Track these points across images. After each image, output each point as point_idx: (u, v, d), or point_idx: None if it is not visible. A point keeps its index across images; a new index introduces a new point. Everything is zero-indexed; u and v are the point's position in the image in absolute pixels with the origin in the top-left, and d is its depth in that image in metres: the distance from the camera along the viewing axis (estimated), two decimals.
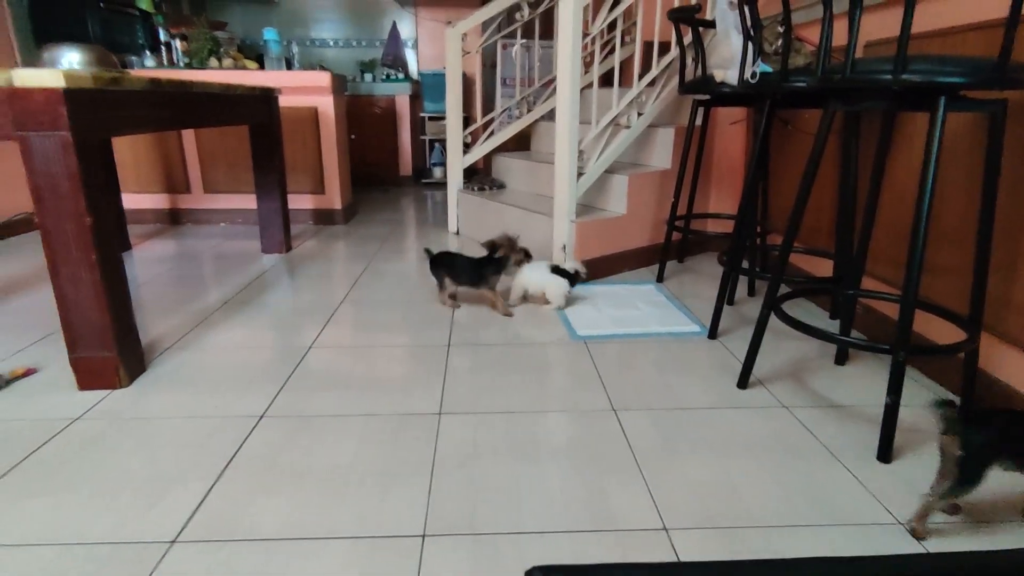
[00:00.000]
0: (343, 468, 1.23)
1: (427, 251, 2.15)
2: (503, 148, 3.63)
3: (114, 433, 1.36)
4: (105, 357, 1.51)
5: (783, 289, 2.03)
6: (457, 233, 3.36)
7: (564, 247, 2.40)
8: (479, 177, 3.38)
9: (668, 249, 2.50)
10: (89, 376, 1.52)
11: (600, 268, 2.52)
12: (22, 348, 1.79)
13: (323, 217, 3.63)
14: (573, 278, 2.10)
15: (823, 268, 2.17)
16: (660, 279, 2.48)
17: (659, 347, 1.84)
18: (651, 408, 1.47)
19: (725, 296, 1.90)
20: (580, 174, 2.42)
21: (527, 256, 2.15)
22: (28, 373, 1.60)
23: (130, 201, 3.51)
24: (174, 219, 3.58)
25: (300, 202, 3.53)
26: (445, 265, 2.13)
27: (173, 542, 1.02)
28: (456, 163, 3.33)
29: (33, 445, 1.29)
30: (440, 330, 1.97)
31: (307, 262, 2.81)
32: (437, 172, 5.27)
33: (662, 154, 2.69)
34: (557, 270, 2.11)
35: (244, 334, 1.93)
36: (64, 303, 1.46)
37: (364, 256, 2.91)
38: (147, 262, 2.77)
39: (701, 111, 2.50)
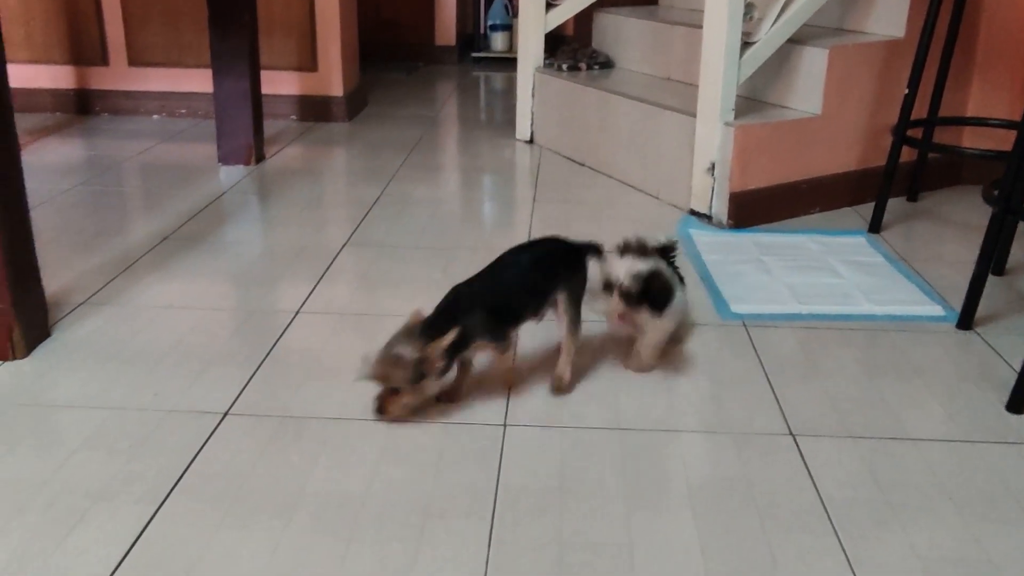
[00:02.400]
0: (353, 501, 1.29)
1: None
2: (610, 0, 3.59)
3: (10, 425, 1.46)
4: None
5: None
6: (530, 141, 3.39)
7: (712, 167, 2.39)
8: (570, 48, 3.38)
9: (893, 177, 2.44)
10: None
11: (772, 206, 2.50)
12: None
13: (314, 110, 3.73)
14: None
15: None
16: (876, 227, 2.44)
17: (870, 339, 1.81)
18: (854, 436, 1.46)
19: (991, 259, 1.85)
20: (747, 44, 2.38)
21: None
22: None
23: (16, 77, 3.70)
24: (82, 106, 3.77)
25: (278, 85, 3.64)
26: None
27: None
28: (533, 25, 3.33)
29: None
30: None
31: (289, 180, 2.91)
32: (498, 41, 5.29)
33: (889, 13, 2.61)
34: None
35: (192, 289, 2.03)
36: None
37: (378, 174, 2.98)
38: (42, 173, 2.93)
39: None
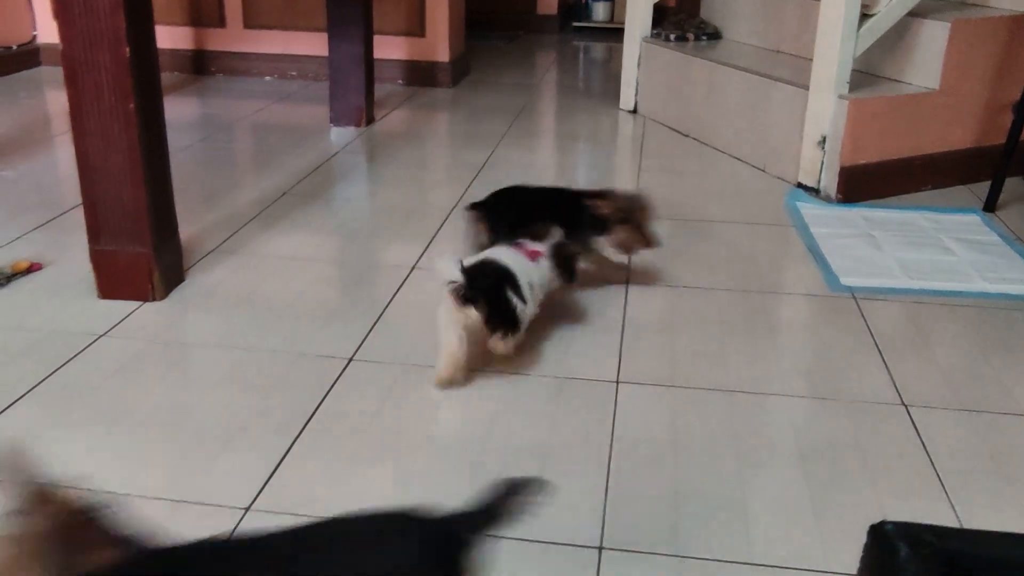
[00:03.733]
0: (475, 444, 1.35)
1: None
2: None
3: (153, 360, 1.58)
4: (137, 254, 1.74)
5: None
6: (634, 111, 3.40)
7: (823, 140, 2.37)
8: (677, 18, 3.37)
9: (1012, 155, 2.39)
10: (114, 280, 1.75)
11: (882, 181, 2.48)
12: (24, 232, 2.09)
13: (420, 75, 3.80)
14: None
15: None
16: (991, 206, 2.40)
17: (981, 316, 1.81)
18: (967, 409, 1.47)
19: None
20: (865, 16, 2.35)
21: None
22: (33, 268, 1.87)
23: None
24: (198, 67, 3.91)
25: (387, 49, 3.71)
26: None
27: (247, 509, 1.19)
28: None
29: (50, 364, 1.54)
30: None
31: (398, 143, 2.99)
32: (599, 11, 5.28)
33: None
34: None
35: (311, 242, 2.12)
36: (88, 171, 1.69)
37: (484, 139, 3.03)
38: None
39: None
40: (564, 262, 1.68)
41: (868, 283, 1.93)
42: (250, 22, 3.80)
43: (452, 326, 1.48)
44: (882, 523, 0.47)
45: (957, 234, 2.21)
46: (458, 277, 1.46)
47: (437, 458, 1.32)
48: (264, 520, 1.17)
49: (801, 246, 2.14)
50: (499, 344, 1.52)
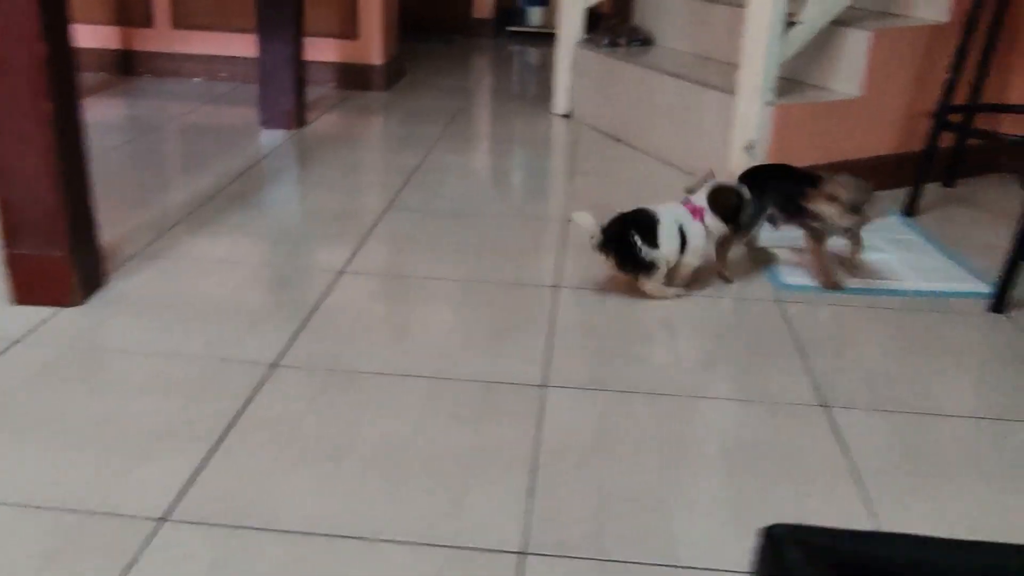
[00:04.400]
0: (399, 450, 1.34)
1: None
2: None
3: (70, 367, 1.53)
4: (55, 257, 1.68)
5: None
6: (567, 116, 3.42)
7: (750, 146, 2.41)
8: (610, 24, 3.40)
9: (930, 161, 2.45)
10: (30, 284, 1.70)
11: None
12: None
13: (353, 78, 3.77)
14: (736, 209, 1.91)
15: None
16: (911, 211, 2.45)
17: (902, 318, 1.84)
18: (885, 410, 1.50)
19: None
20: (790, 23, 2.39)
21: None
22: None
23: None
24: (126, 67, 3.82)
25: (319, 51, 3.68)
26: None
27: (162, 520, 1.16)
28: (574, 1, 3.35)
29: None
30: (541, 262, 2.05)
31: (330, 146, 2.96)
32: (534, 16, 5.30)
33: None
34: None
35: (239, 245, 2.09)
36: (2, 172, 1.63)
37: (417, 142, 3.02)
38: (87, 131, 2.99)
39: None
40: (720, 208, 1.86)
41: (809, 281, 1.98)
42: (179, 22, 3.73)
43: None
44: (773, 526, 0.47)
45: (884, 234, 2.26)
46: (595, 230, 1.79)
47: (360, 465, 1.30)
48: (179, 532, 1.14)
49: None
50: (645, 284, 1.83)
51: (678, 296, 1.89)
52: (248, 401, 1.45)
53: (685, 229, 1.84)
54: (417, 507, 1.21)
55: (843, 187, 1.87)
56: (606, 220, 1.82)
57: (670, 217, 1.83)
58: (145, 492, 1.21)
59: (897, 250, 2.17)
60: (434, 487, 1.25)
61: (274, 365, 1.57)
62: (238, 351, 1.60)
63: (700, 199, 1.88)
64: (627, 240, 1.79)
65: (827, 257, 1.97)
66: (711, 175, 1.93)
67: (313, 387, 1.50)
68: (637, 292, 1.88)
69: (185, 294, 1.82)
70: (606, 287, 1.93)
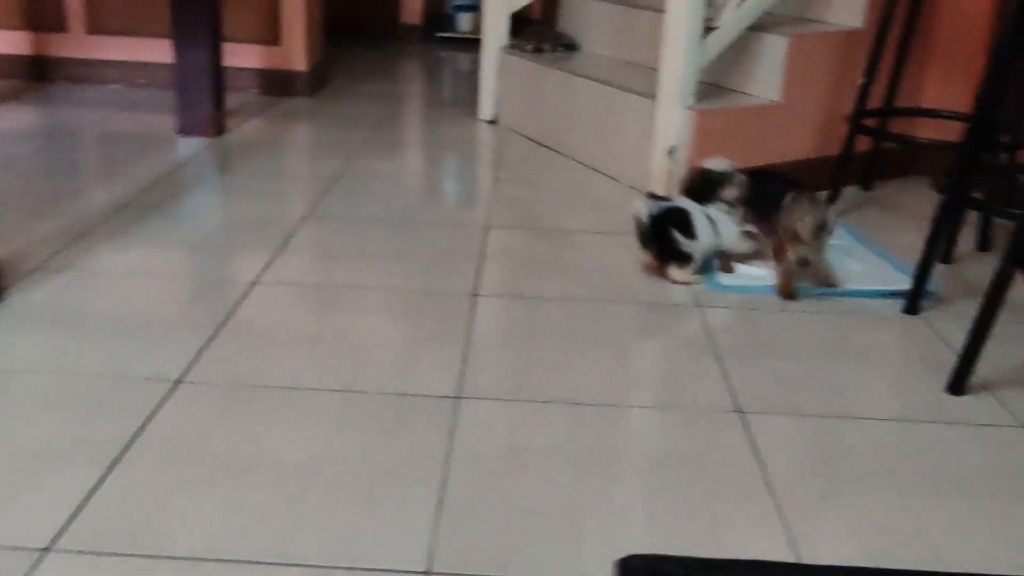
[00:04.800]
0: (305, 467, 1.29)
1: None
2: None
3: None
4: None
5: None
6: (493, 122, 3.40)
7: (671, 151, 2.41)
8: (535, 30, 3.39)
9: (847, 165, 2.48)
10: None
11: None
12: None
13: (276, 84, 3.70)
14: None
15: None
16: None
17: (818, 321, 1.85)
18: (801, 414, 1.50)
19: (939, 247, 1.89)
20: (709, 29, 2.40)
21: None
22: None
23: None
24: (38, 73, 3.70)
25: (240, 58, 3.60)
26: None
27: (46, 550, 1.10)
28: (499, 5, 3.33)
29: None
30: (462, 269, 2.02)
31: (250, 153, 2.89)
32: (463, 21, 5.27)
33: (849, 3, 2.65)
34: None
35: (150, 257, 2.02)
36: None
37: (342, 149, 2.97)
38: None
39: None
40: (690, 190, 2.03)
41: (745, 283, 1.98)
42: (94, 27, 3.63)
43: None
44: (628, 557, 0.45)
45: None
46: (643, 221, 1.95)
47: (263, 485, 1.25)
48: (63, 562, 1.08)
49: None
50: (676, 274, 1.98)
51: (699, 283, 2.00)
52: (148, 420, 1.39)
53: (715, 220, 1.99)
54: (320, 528, 1.17)
55: (803, 218, 1.87)
56: (650, 211, 1.97)
57: (698, 210, 1.98)
58: (29, 521, 1.15)
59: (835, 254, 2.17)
60: (339, 506, 1.21)
61: (178, 381, 1.51)
62: (141, 367, 1.54)
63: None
64: (668, 236, 1.95)
65: (790, 266, 1.94)
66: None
67: (217, 404, 1.45)
68: (553, 296, 1.86)
69: (88, 309, 1.75)
70: (525, 294, 1.91)
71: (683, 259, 1.97)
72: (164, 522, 1.16)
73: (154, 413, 1.41)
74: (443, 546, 1.14)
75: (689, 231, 1.96)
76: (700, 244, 1.97)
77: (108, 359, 1.56)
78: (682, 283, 1.99)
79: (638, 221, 1.97)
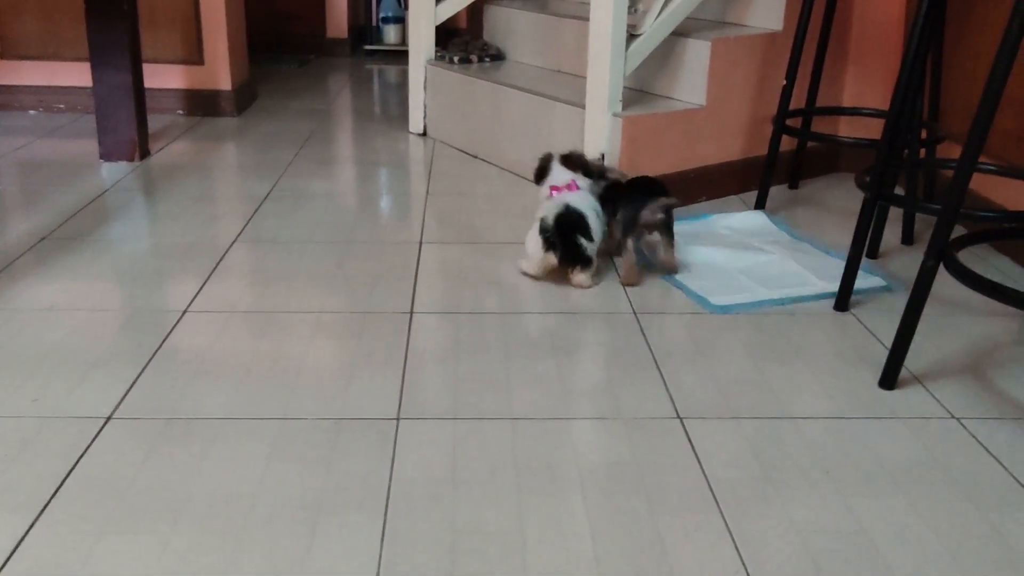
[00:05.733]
0: (242, 500, 1.27)
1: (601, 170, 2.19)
2: None
3: None
4: None
5: (960, 230, 2.06)
6: (423, 134, 3.38)
7: (601, 157, 2.42)
8: (461, 41, 3.38)
9: (774, 165, 2.52)
10: None
11: None
12: None
13: (201, 104, 3.64)
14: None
15: None
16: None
17: (754, 323, 1.87)
18: (738, 417, 1.51)
19: (865, 243, 1.93)
20: (632, 36, 2.42)
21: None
22: None
23: None
24: None
25: (163, 78, 3.54)
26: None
27: None
28: (423, 17, 3.32)
29: None
30: (397, 287, 2.00)
31: (176, 176, 2.83)
32: (390, 33, 5.25)
33: (768, 6, 2.69)
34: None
35: (73, 290, 1.96)
36: None
37: (269, 169, 2.93)
38: None
39: None
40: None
41: (735, 300, 1.95)
42: (8, 52, 3.53)
43: (539, 260, 2.00)
44: None
45: (760, 235, 2.30)
46: (550, 224, 1.94)
47: (198, 522, 1.22)
48: None
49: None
50: (580, 278, 1.99)
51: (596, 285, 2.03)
52: (76, 461, 1.34)
53: (600, 217, 2.02)
54: (259, 564, 1.14)
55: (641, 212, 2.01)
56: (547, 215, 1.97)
57: (590, 209, 2.00)
58: None
59: (782, 249, 2.20)
60: (278, 539, 1.19)
61: (107, 419, 1.46)
62: (67, 407, 1.49)
63: (563, 177, 2.09)
64: (572, 237, 1.95)
65: (631, 256, 2.03)
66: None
67: (150, 439, 1.41)
68: (490, 310, 1.86)
69: (6, 348, 1.69)
70: (461, 309, 1.90)
71: (586, 262, 1.98)
72: (97, 567, 1.13)
73: (83, 454, 1.36)
74: (388, 572, 1.13)
75: (588, 233, 1.97)
76: (595, 245, 2.00)
77: (31, 401, 1.51)
78: (586, 287, 2.00)
79: (544, 224, 1.96)
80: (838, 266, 2.00)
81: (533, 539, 1.20)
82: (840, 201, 2.68)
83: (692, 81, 2.56)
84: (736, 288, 2.01)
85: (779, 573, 1.14)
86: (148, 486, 1.29)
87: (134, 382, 1.58)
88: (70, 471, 1.32)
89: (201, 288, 1.98)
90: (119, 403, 1.51)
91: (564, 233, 1.95)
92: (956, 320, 1.89)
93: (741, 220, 2.43)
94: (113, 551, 1.16)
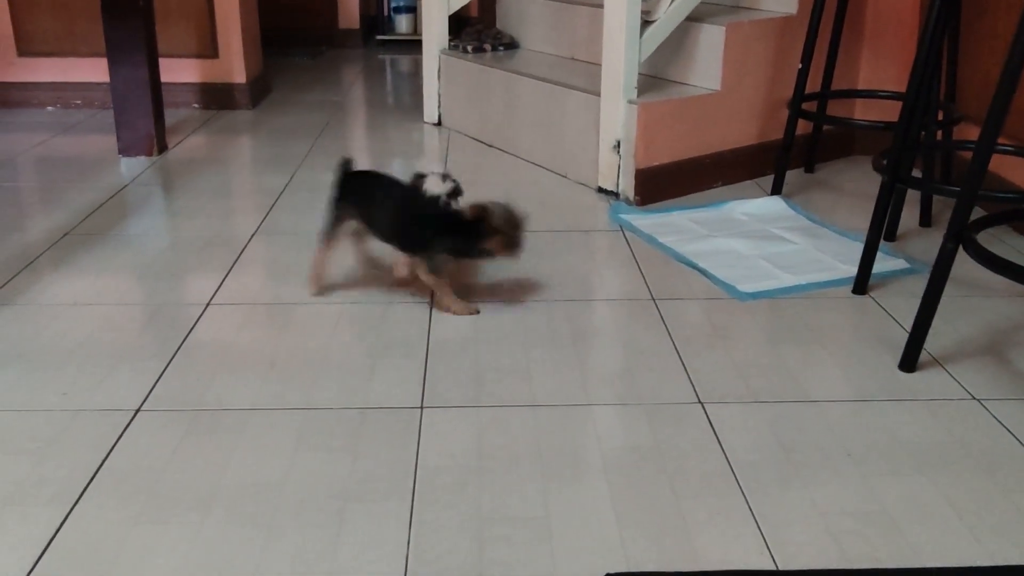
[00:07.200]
0: (271, 490, 1.28)
1: (344, 164, 2.01)
2: None
3: None
4: None
5: (979, 212, 2.05)
6: (438, 124, 3.39)
7: (617, 145, 2.42)
8: (474, 30, 3.39)
9: (790, 149, 2.52)
10: None
11: (676, 181, 2.55)
12: None
13: (216, 97, 3.66)
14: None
15: None
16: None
17: (771, 307, 1.88)
18: (759, 401, 1.52)
19: (883, 226, 1.93)
20: (646, 23, 2.42)
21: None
22: None
23: None
24: None
25: (178, 73, 3.55)
26: (360, 195, 1.95)
27: None
28: (436, 6, 3.32)
29: None
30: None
31: (193, 170, 2.85)
32: (402, 24, 5.25)
33: None
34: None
35: (97, 285, 1.98)
36: None
37: (285, 162, 2.95)
38: None
39: None
40: None
41: (763, 287, 1.95)
42: (24, 49, 3.55)
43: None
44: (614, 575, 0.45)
45: (781, 223, 2.31)
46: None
47: (229, 511, 1.24)
48: None
49: (606, 251, 2.17)
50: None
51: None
52: (108, 453, 1.37)
53: None
54: (290, 552, 1.16)
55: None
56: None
57: None
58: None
59: (804, 237, 2.20)
60: (308, 528, 1.21)
61: (136, 411, 1.49)
62: (96, 400, 1.52)
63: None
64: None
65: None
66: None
67: (178, 431, 1.43)
68: (509, 297, 1.87)
69: (35, 343, 1.72)
70: (479, 297, 1.91)
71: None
72: (129, 558, 1.15)
73: (114, 446, 1.39)
74: (415, 558, 1.14)
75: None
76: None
77: (62, 394, 1.54)
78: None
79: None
80: (860, 250, 1.99)
81: (559, 524, 1.21)
82: (857, 184, 2.67)
83: (707, 66, 2.56)
84: (762, 275, 2.01)
85: (802, 554, 1.15)
86: (178, 477, 1.32)
87: (161, 375, 1.60)
88: (102, 463, 1.34)
89: (223, 281, 2.00)
90: (147, 396, 1.53)
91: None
92: (975, 302, 1.89)
93: (759, 206, 2.43)
94: (146, 541, 1.18)
